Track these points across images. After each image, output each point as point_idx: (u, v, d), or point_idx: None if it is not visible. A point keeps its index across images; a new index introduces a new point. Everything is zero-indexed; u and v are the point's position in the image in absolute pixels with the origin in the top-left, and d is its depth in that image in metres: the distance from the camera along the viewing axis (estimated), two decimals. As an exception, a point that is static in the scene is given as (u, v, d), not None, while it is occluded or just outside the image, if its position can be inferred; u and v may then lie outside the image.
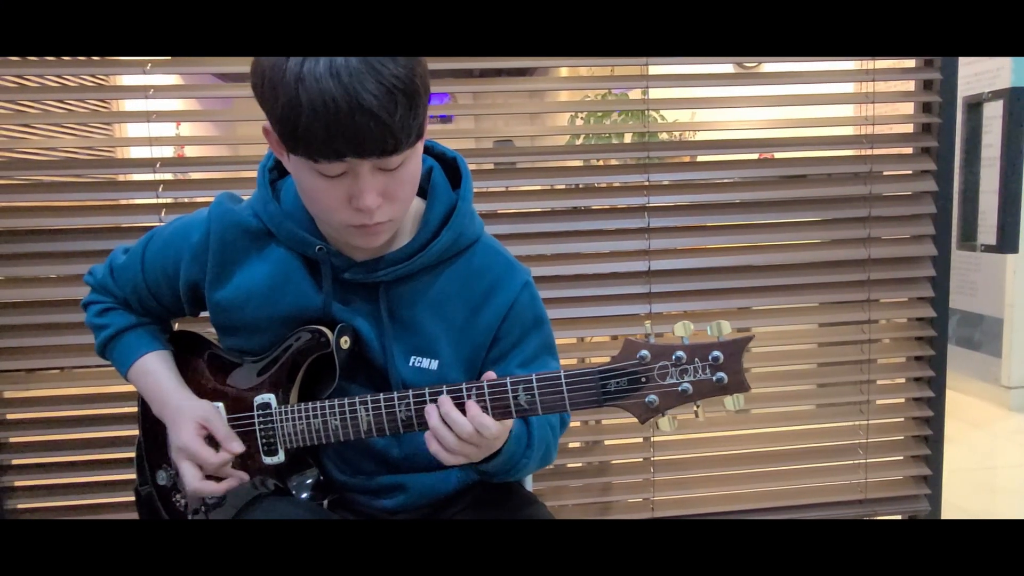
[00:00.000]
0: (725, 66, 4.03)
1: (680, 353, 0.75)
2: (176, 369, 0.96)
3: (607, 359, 0.78)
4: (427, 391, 0.81)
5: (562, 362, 0.95)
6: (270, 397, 0.89)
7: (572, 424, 0.99)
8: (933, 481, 1.82)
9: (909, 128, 1.79)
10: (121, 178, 2.13)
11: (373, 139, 0.70)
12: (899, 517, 1.85)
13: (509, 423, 0.81)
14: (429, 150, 0.93)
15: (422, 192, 0.89)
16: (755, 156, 1.79)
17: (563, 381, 0.77)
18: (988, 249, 3.14)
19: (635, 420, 0.77)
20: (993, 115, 3.08)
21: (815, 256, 1.76)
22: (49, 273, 1.60)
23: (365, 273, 0.87)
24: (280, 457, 0.89)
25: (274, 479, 0.91)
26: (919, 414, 1.80)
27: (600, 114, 3.66)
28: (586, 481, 1.78)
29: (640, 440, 1.78)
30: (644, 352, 0.75)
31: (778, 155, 1.77)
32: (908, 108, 1.79)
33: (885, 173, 1.76)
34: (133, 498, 1.02)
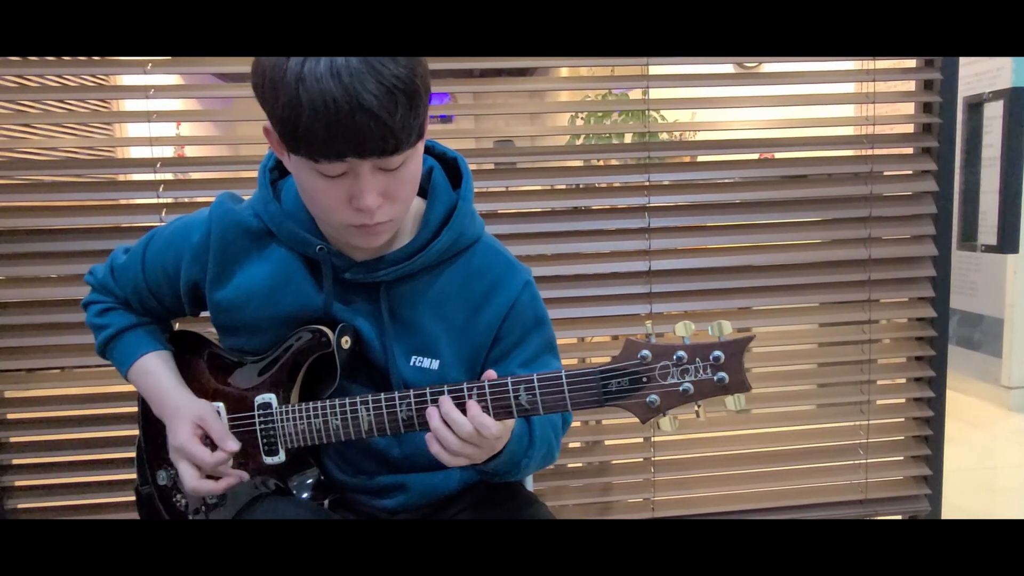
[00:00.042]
0: (725, 66, 4.03)
1: (681, 353, 0.75)
2: (176, 369, 0.96)
3: (608, 359, 0.78)
4: (428, 391, 0.81)
5: (563, 362, 0.95)
6: (271, 397, 0.89)
7: (572, 424, 0.99)
8: (933, 481, 1.82)
9: (910, 128, 1.79)
10: (121, 178, 2.13)
11: (373, 139, 0.70)
12: (899, 517, 1.85)
13: (511, 423, 0.81)
14: (430, 150, 0.93)
15: (423, 192, 0.89)
16: (755, 156, 1.79)
17: (564, 381, 0.77)
18: (988, 249, 3.14)
19: (636, 420, 0.77)
20: (993, 115, 3.08)
21: (815, 256, 1.76)
22: (49, 273, 1.60)
23: (366, 273, 0.87)
24: (281, 457, 0.89)
25: (275, 479, 0.91)
26: (919, 414, 1.80)
27: (600, 114, 3.66)
28: (586, 481, 1.78)
29: (640, 440, 1.78)
30: (645, 352, 0.75)
31: (778, 155, 1.77)
32: (909, 108, 1.79)
33: (886, 173, 1.76)
34: (133, 498, 1.02)
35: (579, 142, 3.58)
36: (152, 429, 0.97)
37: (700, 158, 1.80)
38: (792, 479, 1.81)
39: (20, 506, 1.65)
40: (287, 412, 0.88)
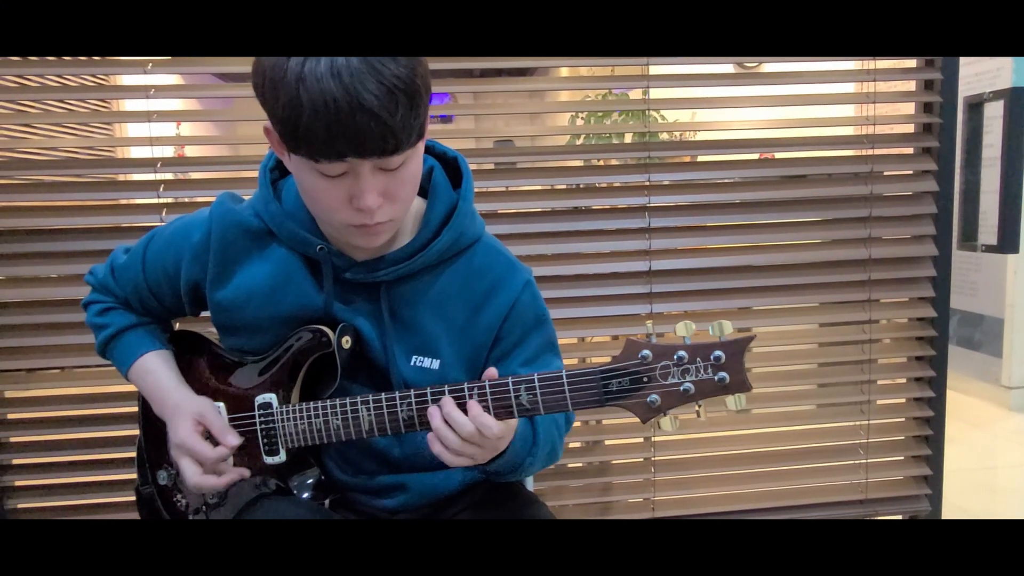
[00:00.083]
0: (725, 66, 4.03)
1: (682, 353, 0.75)
2: (176, 368, 0.96)
3: (608, 359, 0.78)
4: (428, 391, 0.81)
5: (563, 362, 0.95)
6: (271, 397, 0.89)
7: (573, 424, 0.99)
8: (933, 481, 1.82)
9: (910, 128, 1.79)
10: (121, 178, 2.13)
11: (374, 139, 0.70)
12: (899, 517, 1.85)
13: (513, 423, 0.81)
14: (430, 150, 0.93)
15: (423, 192, 0.89)
16: (756, 156, 1.79)
17: (565, 381, 0.77)
18: (989, 249, 3.14)
19: (637, 420, 0.77)
20: (994, 115, 3.08)
21: (816, 256, 1.76)
22: (49, 273, 1.60)
23: (366, 273, 0.87)
24: (281, 457, 0.89)
25: (275, 479, 0.91)
26: (920, 414, 1.80)
27: (600, 114, 3.66)
28: (587, 481, 1.78)
29: (641, 440, 1.78)
30: (646, 352, 0.75)
31: (779, 155, 1.77)
32: (909, 108, 1.79)
33: (886, 173, 1.76)
34: (133, 498, 1.01)
35: (579, 142, 3.58)
36: (153, 429, 0.97)
37: (700, 158, 1.80)
38: (792, 479, 1.81)
39: (20, 506, 1.65)
40: (288, 412, 0.88)
